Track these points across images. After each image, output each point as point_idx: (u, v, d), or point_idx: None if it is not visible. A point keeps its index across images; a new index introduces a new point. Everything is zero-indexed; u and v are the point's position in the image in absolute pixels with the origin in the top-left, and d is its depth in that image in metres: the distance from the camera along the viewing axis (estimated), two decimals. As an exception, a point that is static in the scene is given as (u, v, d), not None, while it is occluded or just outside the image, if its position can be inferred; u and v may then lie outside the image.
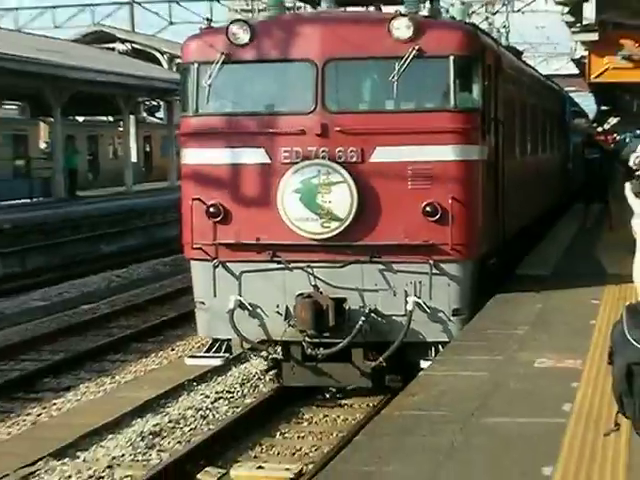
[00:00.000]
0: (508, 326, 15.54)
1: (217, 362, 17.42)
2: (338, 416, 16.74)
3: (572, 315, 16.39)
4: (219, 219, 16.39)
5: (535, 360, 13.36)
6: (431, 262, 15.82)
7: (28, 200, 53.00)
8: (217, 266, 16.52)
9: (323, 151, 15.95)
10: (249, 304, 16.42)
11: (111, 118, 73.85)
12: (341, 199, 15.78)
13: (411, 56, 15.57)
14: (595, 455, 9.52)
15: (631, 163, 5.96)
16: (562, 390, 11.87)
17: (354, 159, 15.92)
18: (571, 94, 51.80)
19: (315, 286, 16.13)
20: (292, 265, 16.24)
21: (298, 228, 16.00)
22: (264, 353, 17.26)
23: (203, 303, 16.86)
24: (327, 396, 17.25)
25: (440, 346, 15.52)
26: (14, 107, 67.06)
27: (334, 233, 15.95)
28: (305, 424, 16.59)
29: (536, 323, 15.83)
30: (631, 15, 27.93)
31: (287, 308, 16.13)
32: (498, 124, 18.58)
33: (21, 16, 69.34)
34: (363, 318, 15.77)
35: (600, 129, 61.57)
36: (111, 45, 68.69)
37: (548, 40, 70.23)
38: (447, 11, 18.52)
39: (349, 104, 16.90)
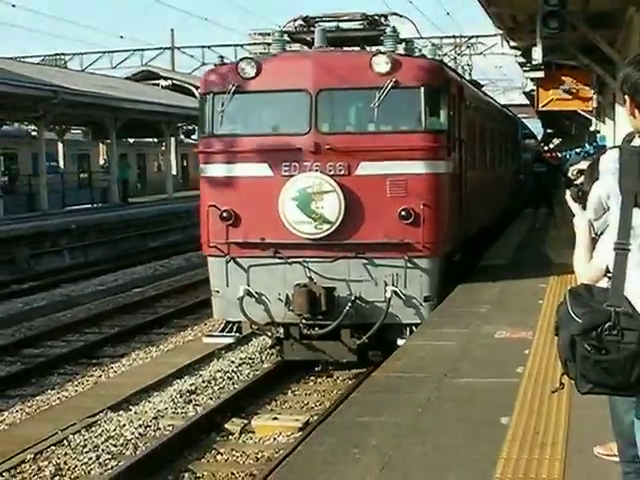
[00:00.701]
0: (473, 306, 15.59)
1: (229, 340, 17.46)
2: (338, 377, 16.69)
3: (524, 296, 16.43)
4: (230, 222, 16.34)
5: (495, 332, 13.41)
6: (406, 257, 15.80)
7: (90, 205, 52.86)
8: (229, 261, 16.49)
9: (316, 165, 15.92)
10: (256, 292, 16.37)
11: (156, 139, 73.60)
12: (331, 205, 15.75)
13: (389, 87, 15.56)
14: (542, 407, 9.52)
15: (570, 174, 5.95)
16: (516, 356, 11.87)
17: (342, 172, 15.87)
18: (523, 119, 51.62)
19: (310, 278, 16.06)
20: (291, 260, 16.19)
21: (296, 229, 15.94)
22: (268, 333, 17.24)
23: (218, 291, 16.81)
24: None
25: (413, 327, 15.41)
26: (79, 131, 66.93)
27: (326, 234, 15.90)
28: (311, 384, 16.55)
29: (495, 303, 15.85)
30: (570, 58, 27.93)
31: (287, 296, 16.09)
32: (461, 143, 18.42)
33: (85, 59, 69.31)
34: (350, 304, 15.76)
35: (546, 148, 61.54)
36: (156, 81, 68.36)
37: (505, 76, 70.18)
38: (420, 50, 17.89)
39: (338, 126, 16.92)
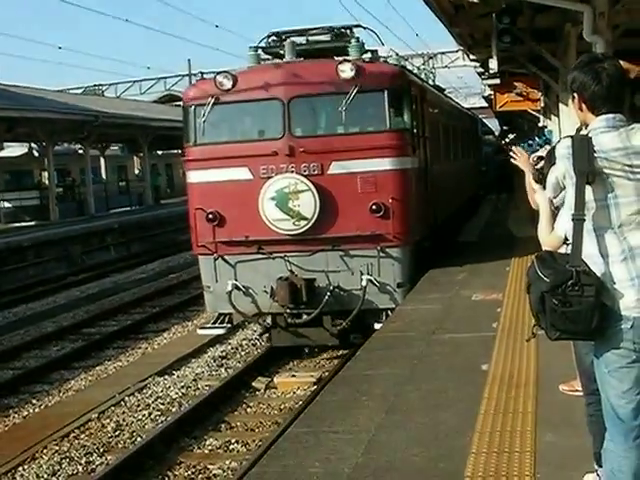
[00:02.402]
0: (451, 276, 15.58)
1: (221, 331, 16.20)
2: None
3: (493, 265, 16.43)
4: (216, 223, 15.25)
5: (472, 295, 13.49)
6: (378, 248, 14.71)
7: (128, 208, 52.89)
8: (217, 259, 15.37)
9: (292, 167, 14.83)
10: (243, 286, 15.23)
11: (180, 150, 73.61)
12: (307, 203, 14.70)
13: (354, 92, 14.52)
14: (516, 355, 9.57)
15: (530, 160, 6.01)
16: (491, 314, 11.92)
17: (316, 172, 14.80)
18: (483, 119, 51.54)
19: (291, 271, 14.97)
20: (274, 255, 15.08)
21: (276, 227, 14.86)
22: (256, 323, 16.26)
23: (209, 287, 15.66)
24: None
25: (389, 311, 14.39)
26: (117, 147, 66.92)
27: (303, 229, 14.81)
28: (322, 347, 16.33)
29: (470, 272, 15.84)
30: (520, 66, 27.95)
31: (272, 288, 14.88)
32: (425, 140, 17.35)
33: (119, 88, 69.24)
34: (329, 293, 14.72)
35: (505, 141, 61.65)
36: (177, 103, 68.23)
37: (465, 84, 69.89)
38: (385, 60, 17.10)
39: (310, 130, 15.58)
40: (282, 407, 13.03)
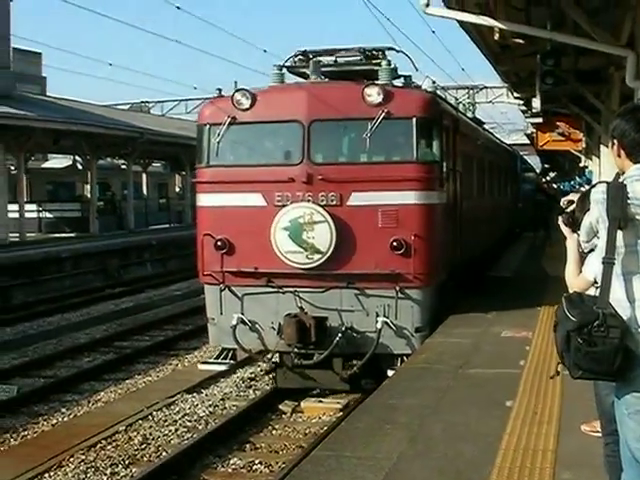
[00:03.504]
0: (482, 312, 15.31)
1: (223, 368, 15.16)
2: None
3: (525, 302, 16.30)
4: (225, 251, 14.23)
5: (501, 332, 13.46)
6: (397, 288, 13.56)
7: (167, 225, 53.27)
8: (223, 289, 14.32)
9: (308, 195, 13.80)
10: (249, 320, 14.19)
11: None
12: (322, 235, 13.65)
13: (381, 117, 13.53)
14: (540, 393, 9.62)
15: (561, 204, 6.14)
16: (519, 351, 11.95)
17: (334, 202, 13.75)
18: (525, 156, 51.40)
19: (301, 307, 13.85)
20: (284, 290, 14.02)
21: (287, 259, 13.80)
22: (261, 360, 15.23)
23: (213, 319, 14.66)
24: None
25: (405, 357, 13.32)
26: (159, 165, 67.41)
27: (317, 263, 13.74)
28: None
29: (501, 309, 15.65)
30: (563, 106, 28.03)
31: (280, 324, 13.85)
32: (456, 174, 16.12)
33: (165, 106, 69.76)
34: (339, 335, 13.61)
35: (544, 180, 61.48)
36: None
37: (509, 120, 69.91)
38: (418, 87, 15.70)
39: (330, 157, 14.58)
40: (307, 431, 13.08)
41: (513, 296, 17.27)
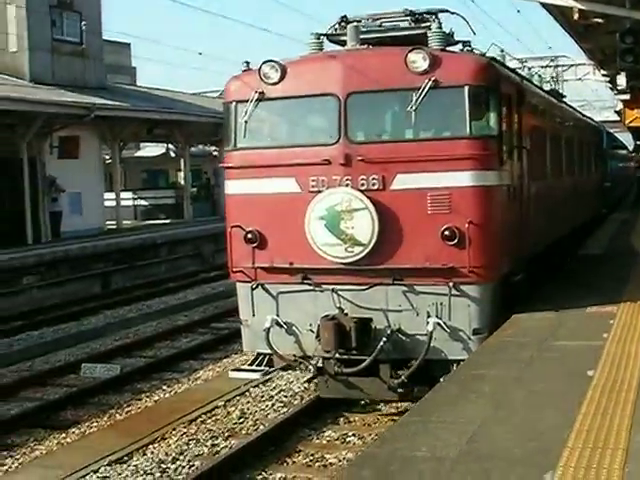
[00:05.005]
0: (569, 293, 15.16)
1: (256, 376, 13.45)
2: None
3: (612, 279, 16.40)
4: (256, 244, 12.76)
5: (587, 307, 13.49)
6: (451, 284, 11.90)
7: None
8: (255, 287, 12.83)
9: (347, 179, 12.20)
10: (285, 322, 12.73)
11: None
12: (363, 225, 12.06)
13: (427, 87, 11.86)
14: (621, 363, 9.88)
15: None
16: (603, 325, 12.11)
17: (376, 187, 12.11)
18: (617, 133, 50.59)
19: (340, 308, 12.31)
20: (322, 288, 12.51)
21: (325, 253, 12.27)
22: (298, 368, 13.21)
23: (246, 320, 13.18)
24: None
25: (461, 363, 11.52)
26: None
27: (358, 257, 12.14)
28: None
29: (588, 287, 15.62)
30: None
31: (319, 326, 12.33)
32: (522, 151, 14.20)
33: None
34: (385, 339, 12.03)
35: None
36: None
37: (599, 98, 69.17)
38: (472, 50, 13.38)
39: (370, 134, 12.86)
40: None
41: (601, 272, 17.40)
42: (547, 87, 24.46)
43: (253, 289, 12.90)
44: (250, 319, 13.09)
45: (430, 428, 7.77)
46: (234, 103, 13.12)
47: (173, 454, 11.66)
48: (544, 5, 16.73)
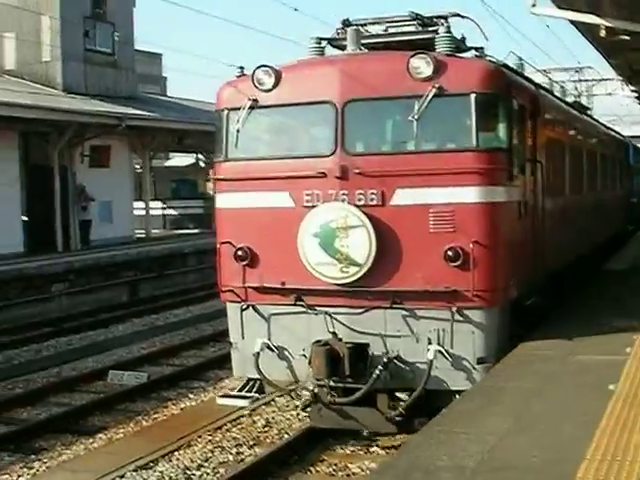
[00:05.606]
0: (592, 308, 15.16)
1: (244, 403, 12.66)
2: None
3: (636, 294, 16.36)
4: (247, 262, 12.02)
5: (609, 323, 13.46)
6: (454, 309, 11.01)
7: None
8: (245, 308, 12.09)
9: (343, 194, 11.33)
10: (276, 346, 11.96)
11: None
12: (359, 243, 11.20)
13: (431, 95, 11.04)
14: (642, 378, 10.01)
15: None
16: (627, 340, 12.15)
17: (374, 202, 11.26)
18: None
19: (333, 333, 11.39)
20: (316, 310, 11.66)
21: (318, 273, 11.45)
22: (293, 393, 12.43)
23: (235, 344, 12.42)
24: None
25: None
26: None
27: (353, 278, 11.31)
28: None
29: (612, 302, 15.65)
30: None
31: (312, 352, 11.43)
32: (536, 165, 13.40)
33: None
34: (381, 367, 11.12)
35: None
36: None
37: (629, 112, 68.85)
38: (481, 56, 12.29)
39: (369, 145, 12.04)
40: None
41: (625, 287, 17.39)
42: (570, 99, 24.17)
43: (243, 310, 12.18)
44: (240, 342, 12.36)
45: (451, 438, 7.90)
46: (226, 111, 12.41)
47: (198, 461, 11.78)
48: (572, 22, 16.79)
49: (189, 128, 39.56)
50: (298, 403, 13.27)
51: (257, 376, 12.13)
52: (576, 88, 35.50)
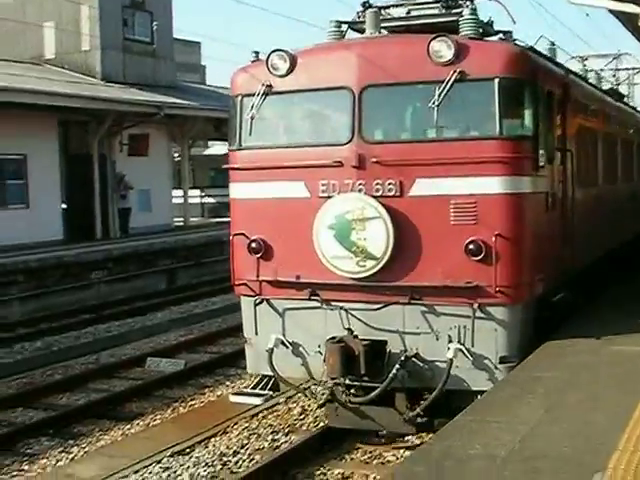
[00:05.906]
0: (622, 304, 14.93)
1: (257, 401, 12.25)
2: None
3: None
4: (261, 255, 11.57)
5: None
6: (475, 305, 10.54)
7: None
8: (259, 303, 11.73)
9: (360, 184, 10.88)
10: (291, 342, 11.58)
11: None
12: (376, 236, 10.75)
13: (452, 80, 10.50)
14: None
15: None
16: (663, 331, 12.08)
17: (392, 192, 10.78)
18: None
19: (349, 329, 10.96)
20: (332, 305, 11.27)
21: (334, 266, 11.01)
22: (308, 392, 12.17)
23: (250, 339, 12.04)
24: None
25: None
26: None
27: (370, 272, 10.86)
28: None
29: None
30: None
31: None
32: (566, 154, 12.80)
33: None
34: (398, 365, 10.69)
35: None
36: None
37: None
38: (504, 39, 11.54)
39: (387, 133, 11.44)
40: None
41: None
42: (607, 87, 23.67)
43: (257, 304, 11.81)
44: (254, 337, 11.99)
45: (483, 427, 7.97)
46: (240, 97, 11.94)
47: (234, 447, 11.91)
48: (611, 11, 16.72)
49: (226, 116, 39.65)
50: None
51: (271, 373, 11.75)
52: (614, 76, 34.76)
